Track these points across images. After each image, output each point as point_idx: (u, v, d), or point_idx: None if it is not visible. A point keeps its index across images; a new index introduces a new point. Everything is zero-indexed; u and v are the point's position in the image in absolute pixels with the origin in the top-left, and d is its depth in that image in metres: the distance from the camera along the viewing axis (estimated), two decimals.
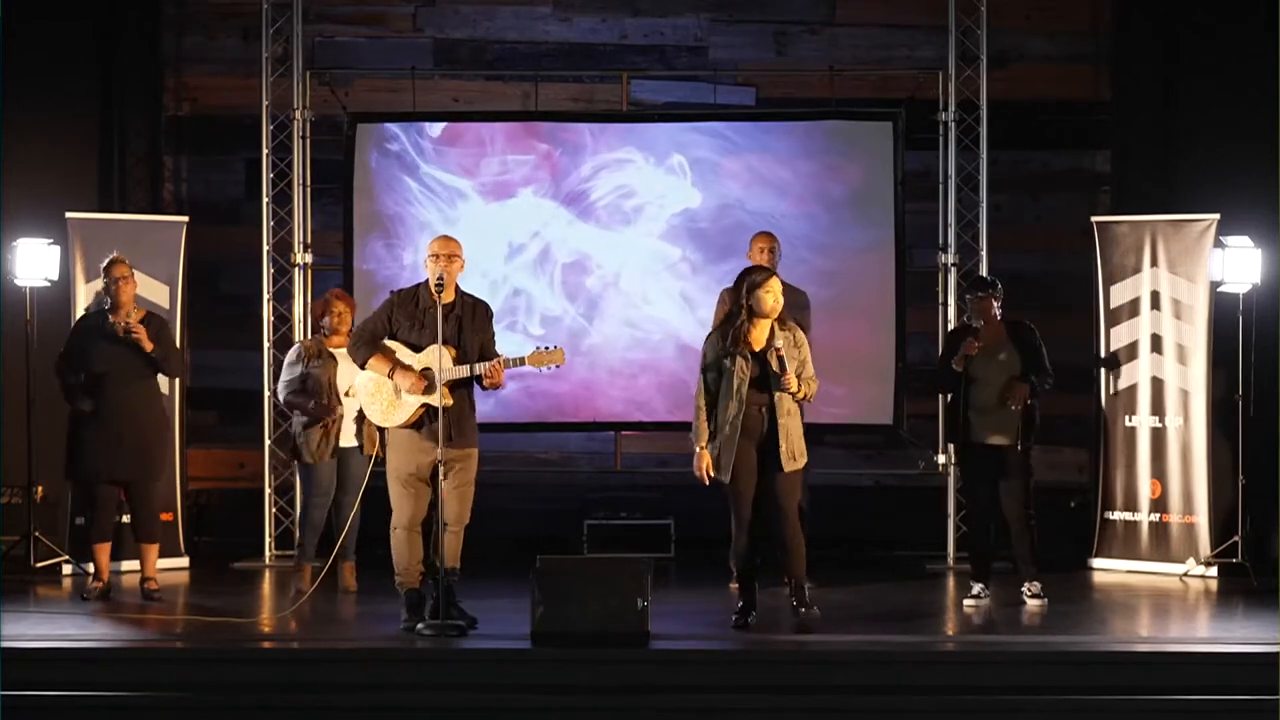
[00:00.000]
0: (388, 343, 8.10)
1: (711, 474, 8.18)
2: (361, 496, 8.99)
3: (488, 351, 8.08)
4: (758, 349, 8.12)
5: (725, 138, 10.83)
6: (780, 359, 8.05)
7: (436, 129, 10.79)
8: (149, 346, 8.96)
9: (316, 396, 9.22)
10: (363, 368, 8.15)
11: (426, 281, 8.08)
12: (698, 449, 8.21)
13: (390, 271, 10.68)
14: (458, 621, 7.99)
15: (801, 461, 8.20)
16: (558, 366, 8.11)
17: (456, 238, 8.21)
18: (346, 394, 9.21)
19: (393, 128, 10.78)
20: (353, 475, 9.25)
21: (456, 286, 8.12)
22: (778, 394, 8.10)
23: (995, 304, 8.89)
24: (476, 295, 8.29)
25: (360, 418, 9.02)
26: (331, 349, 9.30)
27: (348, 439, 9.29)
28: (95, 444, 9.04)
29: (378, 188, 10.78)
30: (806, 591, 8.24)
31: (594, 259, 10.82)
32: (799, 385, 8.06)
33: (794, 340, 8.15)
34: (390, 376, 8.02)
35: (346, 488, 9.27)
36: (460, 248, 8.13)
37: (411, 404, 8.01)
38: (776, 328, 8.11)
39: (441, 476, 7.96)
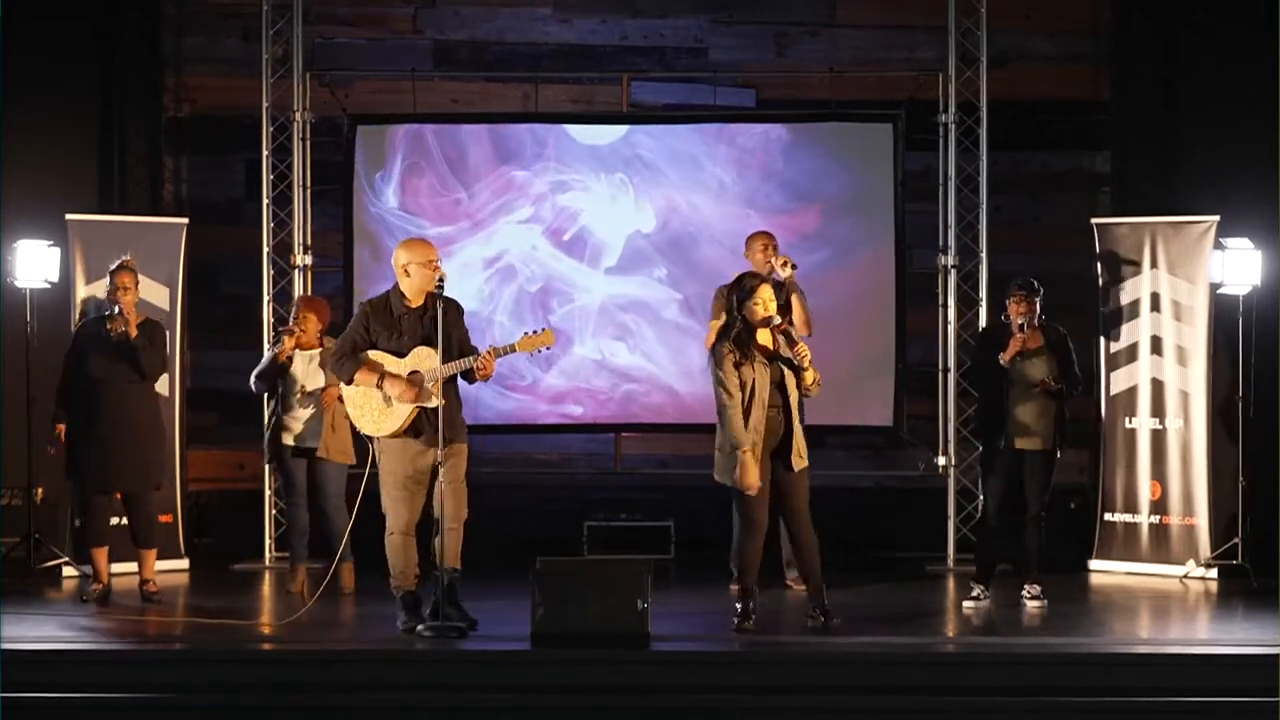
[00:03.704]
0: (370, 354, 8.08)
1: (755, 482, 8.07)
2: (348, 497, 9.02)
3: (465, 347, 8.07)
4: (768, 352, 8.14)
5: (722, 141, 10.83)
6: (787, 334, 8.13)
7: (392, 201, 10.79)
8: (133, 332, 8.92)
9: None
10: (349, 383, 8.11)
11: (395, 287, 8.09)
12: (743, 453, 8.01)
13: (373, 278, 10.72)
14: (458, 623, 7.98)
15: (807, 461, 8.24)
16: (548, 348, 8.13)
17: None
18: (300, 393, 9.28)
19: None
20: (325, 477, 9.28)
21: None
22: (790, 394, 8.12)
23: (1038, 307, 8.91)
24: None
25: (321, 423, 9.20)
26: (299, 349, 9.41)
27: (313, 440, 9.31)
28: (91, 453, 9.02)
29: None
30: (826, 596, 8.26)
31: (573, 290, 10.86)
32: (807, 359, 8.07)
33: (790, 339, 8.21)
34: (379, 386, 8.02)
35: (324, 491, 9.30)
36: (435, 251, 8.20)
37: (403, 410, 7.99)
38: (779, 331, 8.17)
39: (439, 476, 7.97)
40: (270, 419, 9.48)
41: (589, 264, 10.84)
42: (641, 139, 10.86)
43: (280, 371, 9.35)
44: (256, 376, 9.47)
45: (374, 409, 8.06)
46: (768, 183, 10.81)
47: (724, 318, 8.29)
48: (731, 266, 10.37)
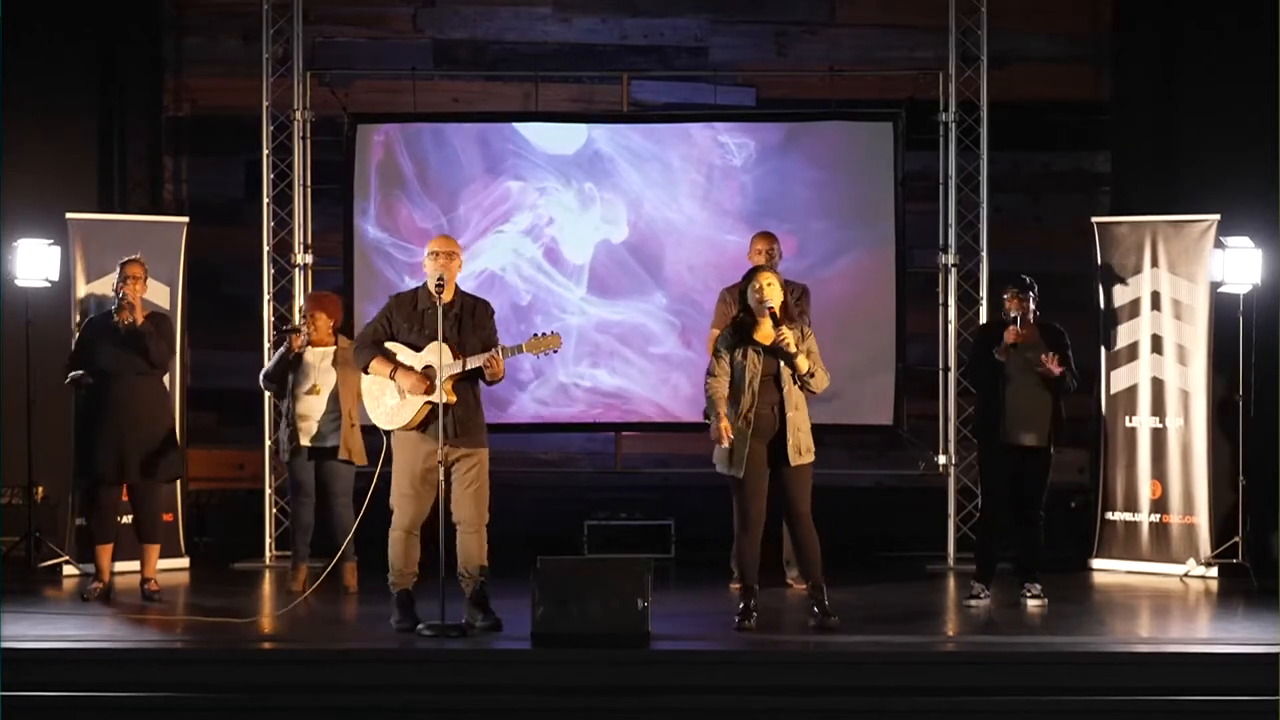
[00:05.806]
0: (389, 345, 8.11)
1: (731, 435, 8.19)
2: (354, 496, 9.02)
3: (490, 348, 8.07)
4: (766, 344, 8.14)
5: (719, 141, 10.82)
6: (783, 339, 8.07)
7: (374, 232, 10.78)
8: (140, 319, 8.92)
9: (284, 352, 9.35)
10: (365, 371, 8.14)
11: (425, 283, 8.09)
12: (716, 418, 8.14)
13: (369, 286, 10.71)
14: (457, 622, 7.98)
15: (809, 457, 8.20)
16: (555, 351, 8.08)
17: (454, 237, 8.24)
18: (312, 391, 9.27)
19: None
20: (333, 476, 9.29)
21: (456, 286, 8.12)
22: (786, 388, 8.11)
23: (1033, 304, 8.91)
24: (476, 294, 8.31)
25: (335, 422, 9.24)
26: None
27: (332, 439, 9.32)
28: (100, 445, 9.02)
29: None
30: (826, 596, 8.22)
31: (551, 302, 10.85)
32: (793, 344, 8.03)
33: (801, 334, 8.19)
34: (392, 378, 8.03)
35: (333, 489, 9.31)
36: (458, 247, 8.17)
37: (415, 404, 8.00)
38: (784, 323, 8.11)
39: (442, 476, 7.96)
40: (283, 417, 9.45)
41: (565, 274, 10.81)
42: (633, 142, 10.84)
43: (288, 370, 9.35)
44: (265, 377, 9.51)
45: (388, 402, 8.08)
46: (766, 184, 10.80)
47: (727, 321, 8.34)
48: (716, 273, 10.44)
